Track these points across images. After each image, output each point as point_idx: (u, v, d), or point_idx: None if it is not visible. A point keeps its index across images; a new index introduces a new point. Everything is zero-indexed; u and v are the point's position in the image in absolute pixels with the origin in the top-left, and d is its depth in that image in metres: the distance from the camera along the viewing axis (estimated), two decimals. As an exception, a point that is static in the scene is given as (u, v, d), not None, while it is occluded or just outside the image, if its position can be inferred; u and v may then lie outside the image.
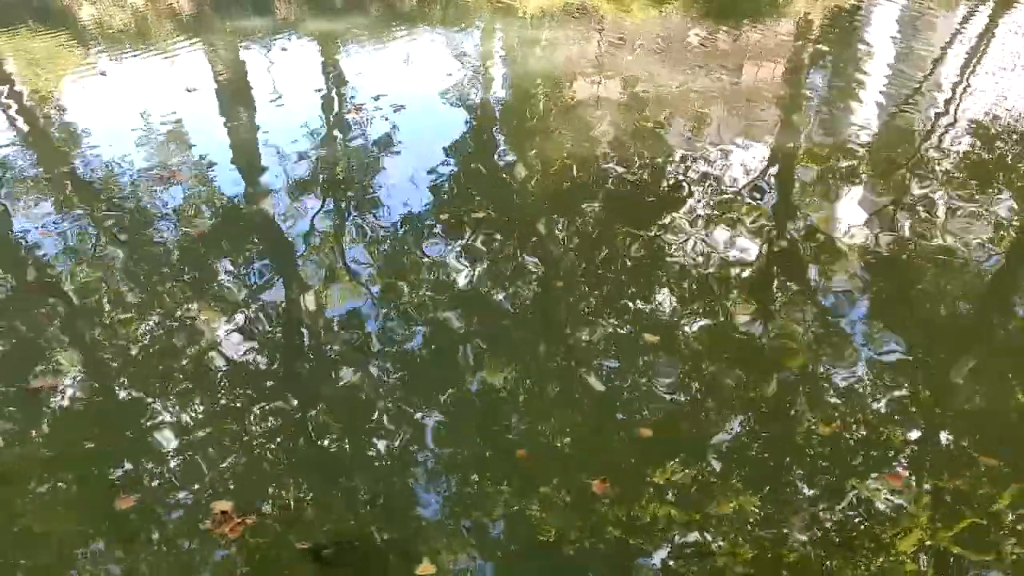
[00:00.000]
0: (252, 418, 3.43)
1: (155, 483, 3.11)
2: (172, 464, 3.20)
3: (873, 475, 3.11)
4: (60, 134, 6.41)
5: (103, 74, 7.63)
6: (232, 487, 3.10)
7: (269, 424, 3.41)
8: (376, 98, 6.99)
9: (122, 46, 8.84)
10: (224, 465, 3.20)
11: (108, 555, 2.84)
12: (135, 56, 8.45)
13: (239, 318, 4.06)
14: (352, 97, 7.14)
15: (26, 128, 6.68)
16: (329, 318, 4.11)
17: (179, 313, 4.08)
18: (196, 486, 3.10)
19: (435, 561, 2.79)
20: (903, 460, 3.17)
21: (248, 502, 3.02)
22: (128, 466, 3.19)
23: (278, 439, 3.33)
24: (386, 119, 6.53)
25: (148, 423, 3.40)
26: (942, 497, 3.02)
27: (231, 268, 4.52)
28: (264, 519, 2.94)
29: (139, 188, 5.41)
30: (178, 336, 3.93)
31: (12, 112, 6.91)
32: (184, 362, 3.74)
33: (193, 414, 3.45)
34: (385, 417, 3.42)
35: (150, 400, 3.51)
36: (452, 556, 2.82)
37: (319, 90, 7.37)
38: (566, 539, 2.84)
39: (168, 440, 3.32)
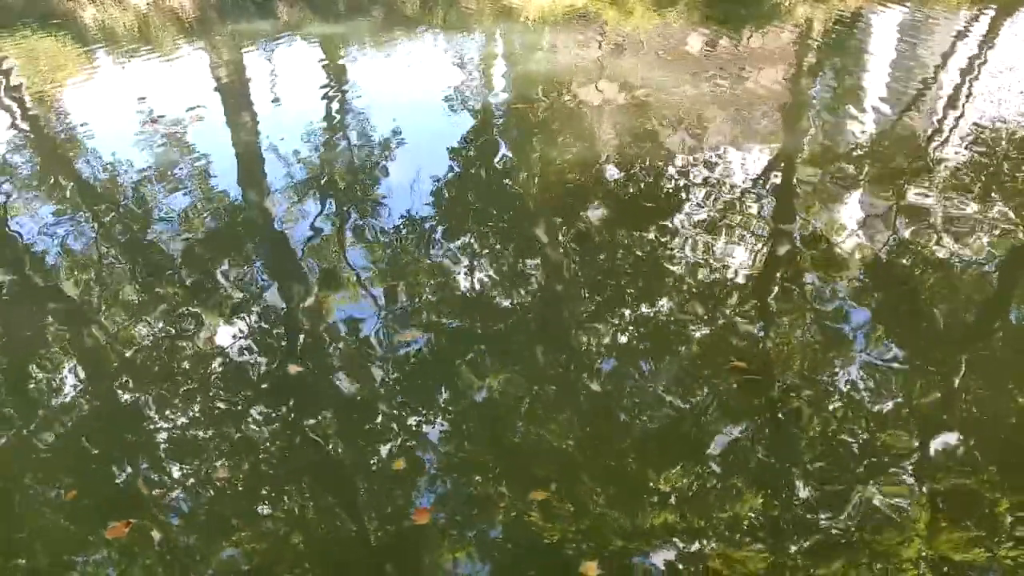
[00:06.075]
0: None
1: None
2: None
3: (874, 481, 3.08)
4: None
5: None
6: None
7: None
8: (367, 104, 6.98)
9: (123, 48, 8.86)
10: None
11: None
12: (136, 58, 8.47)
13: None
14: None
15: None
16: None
17: None
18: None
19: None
20: (905, 465, 3.15)
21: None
22: None
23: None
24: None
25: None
26: (943, 503, 2.99)
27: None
28: None
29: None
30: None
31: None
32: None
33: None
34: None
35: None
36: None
37: (324, 92, 7.37)
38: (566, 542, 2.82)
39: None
